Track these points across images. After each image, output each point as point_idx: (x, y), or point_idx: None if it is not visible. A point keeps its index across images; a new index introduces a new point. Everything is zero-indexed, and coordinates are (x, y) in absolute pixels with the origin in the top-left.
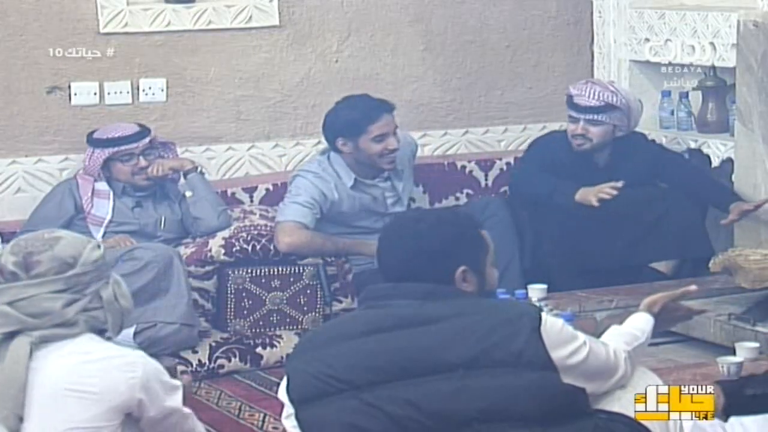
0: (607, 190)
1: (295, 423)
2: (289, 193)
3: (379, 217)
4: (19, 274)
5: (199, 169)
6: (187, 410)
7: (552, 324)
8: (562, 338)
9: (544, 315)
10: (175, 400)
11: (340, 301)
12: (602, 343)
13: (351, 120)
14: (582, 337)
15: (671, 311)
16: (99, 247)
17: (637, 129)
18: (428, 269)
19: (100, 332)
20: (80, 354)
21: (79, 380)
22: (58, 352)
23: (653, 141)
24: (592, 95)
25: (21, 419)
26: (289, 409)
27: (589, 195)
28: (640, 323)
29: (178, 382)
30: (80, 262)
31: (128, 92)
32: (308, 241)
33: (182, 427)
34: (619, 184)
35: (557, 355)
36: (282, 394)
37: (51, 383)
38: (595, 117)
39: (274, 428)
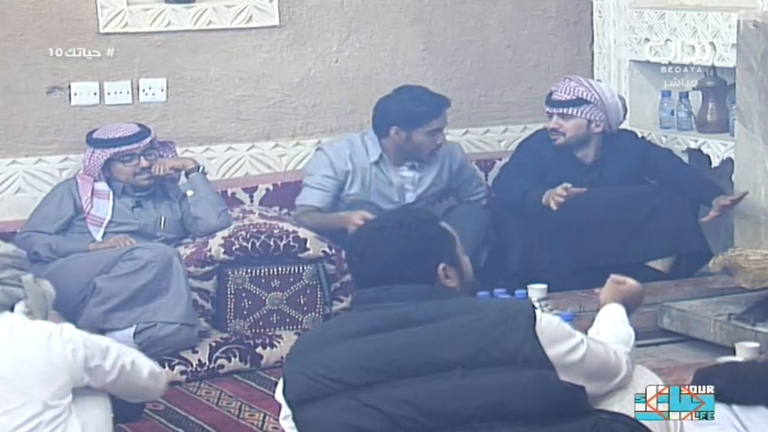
0: (559, 191)
1: (292, 424)
2: (306, 175)
3: (392, 206)
4: None
5: (201, 168)
6: (128, 359)
7: (548, 322)
8: (558, 336)
9: (539, 313)
10: (111, 359)
11: (341, 301)
12: (602, 343)
13: (415, 113)
14: (580, 335)
15: (629, 294)
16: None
17: (637, 129)
18: (411, 272)
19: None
20: (17, 334)
21: (25, 362)
22: None
23: (642, 138)
24: (565, 90)
25: None
26: (286, 410)
27: (549, 200)
28: (618, 315)
29: (105, 341)
30: None
31: (128, 92)
32: (312, 223)
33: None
34: (568, 185)
35: (553, 352)
36: (279, 395)
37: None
38: (566, 110)
39: (274, 428)
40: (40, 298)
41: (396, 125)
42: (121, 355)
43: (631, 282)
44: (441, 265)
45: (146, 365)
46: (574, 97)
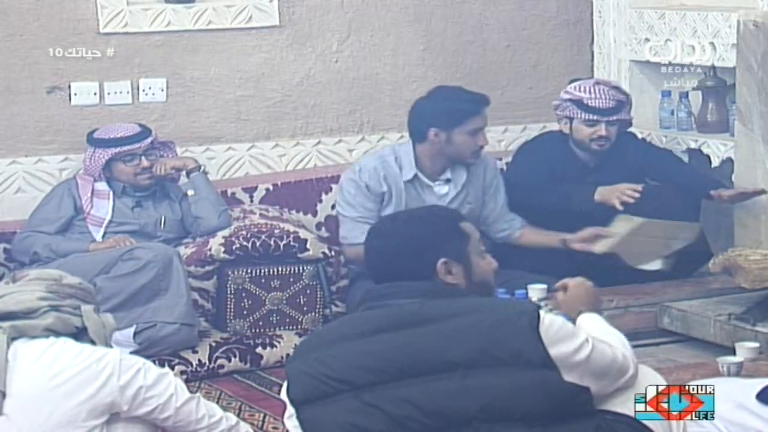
0: (629, 192)
1: (296, 423)
2: (339, 203)
3: None
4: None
5: (202, 168)
6: (185, 395)
7: (551, 322)
8: (562, 336)
9: (542, 313)
10: (161, 388)
11: (336, 305)
12: (608, 343)
13: (452, 110)
14: (584, 335)
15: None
16: (94, 284)
17: (638, 129)
18: (408, 266)
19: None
20: (55, 354)
21: (56, 381)
22: (33, 349)
23: (642, 139)
24: (606, 97)
25: (3, 395)
26: (290, 409)
27: (612, 197)
28: (600, 323)
29: (164, 370)
30: (64, 280)
31: (128, 92)
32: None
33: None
34: (639, 186)
35: (558, 353)
36: (283, 395)
37: (28, 383)
38: (616, 117)
39: (274, 428)
40: (100, 327)
41: (435, 126)
42: (178, 388)
43: (584, 285)
44: (441, 260)
45: (206, 411)
46: (616, 103)
